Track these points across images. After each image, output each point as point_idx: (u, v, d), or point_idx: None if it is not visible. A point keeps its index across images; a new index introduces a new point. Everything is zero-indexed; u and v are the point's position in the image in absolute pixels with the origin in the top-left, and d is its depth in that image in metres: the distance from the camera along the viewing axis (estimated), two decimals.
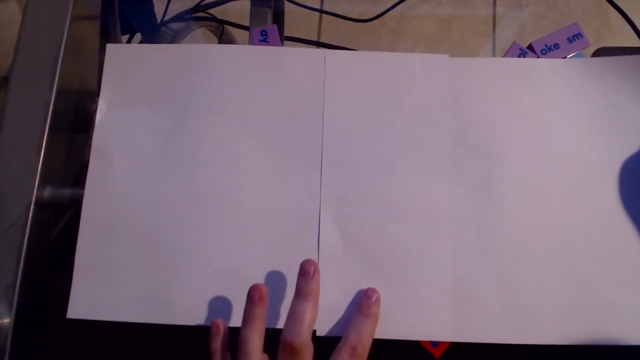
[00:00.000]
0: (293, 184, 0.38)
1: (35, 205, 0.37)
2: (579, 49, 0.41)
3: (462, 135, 0.39)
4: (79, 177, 0.41)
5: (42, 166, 0.37)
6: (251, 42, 0.43)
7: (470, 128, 0.39)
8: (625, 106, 0.39)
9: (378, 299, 0.36)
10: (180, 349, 0.40)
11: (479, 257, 0.37)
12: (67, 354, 0.41)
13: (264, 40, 0.43)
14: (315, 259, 0.37)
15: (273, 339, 0.35)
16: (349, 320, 0.35)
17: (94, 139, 0.40)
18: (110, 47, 0.42)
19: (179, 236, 0.38)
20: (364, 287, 0.36)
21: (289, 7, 0.61)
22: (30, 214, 0.37)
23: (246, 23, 0.50)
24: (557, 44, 0.41)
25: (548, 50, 0.41)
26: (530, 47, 0.42)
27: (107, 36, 0.46)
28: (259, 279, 0.37)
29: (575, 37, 0.41)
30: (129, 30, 0.58)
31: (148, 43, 0.59)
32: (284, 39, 0.66)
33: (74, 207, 0.39)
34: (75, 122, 0.42)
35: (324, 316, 0.36)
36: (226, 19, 0.72)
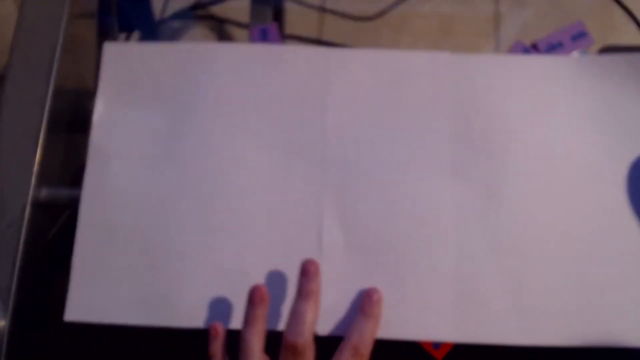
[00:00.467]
0: (295, 183, 0.38)
1: (32, 205, 0.37)
2: (582, 48, 0.41)
3: (466, 133, 0.39)
4: (76, 177, 0.41)
5: (39, 166, 0.37)
6: (251, 40, 0.43)
7: (473, 126, 0.39)
8: (629, 104, 0.39)
9: (380, 298, 0.35)
10: (180, 349, 0.40)
11: (482, 257, 0.37)
12: (65, 355, 0.40)
13: (264, 38, 0.43)
14: (317, 259, 0.36)
15: (274, 341, 0.34)
16: (351, 320, 0.35)
17: (91, 139, 0.39)
18: (107, 46, 0.41)
19: (178, 237, 0.37)
20: (366, 287, 0.36)
21: (289, 5, 0.60)
22: (27, 215, 0.36)
23: (246, 21, 0.50)
24: (561, 43, 0.41)
25: (552, 48, 0.41)
26: (533, 46, 0.41)
27: (105, 34, 0.46)
28: (260, 279, 0.36)
29: (579, 35, 0.41)
30: (127, 28, 0.58)
31: (146, 41, 0.59)
32: (284, 37, 0.65)
33: (72, 207, 0.39)
34: (72, 122, 0.42)
35: (326, 316, 0.35)
36: (226, 17, 0.72)
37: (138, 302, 0.36)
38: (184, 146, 0.39)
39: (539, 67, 0.40)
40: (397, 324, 0.35)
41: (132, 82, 0.40)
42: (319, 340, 0.35)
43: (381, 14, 0.65)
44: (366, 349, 0.33)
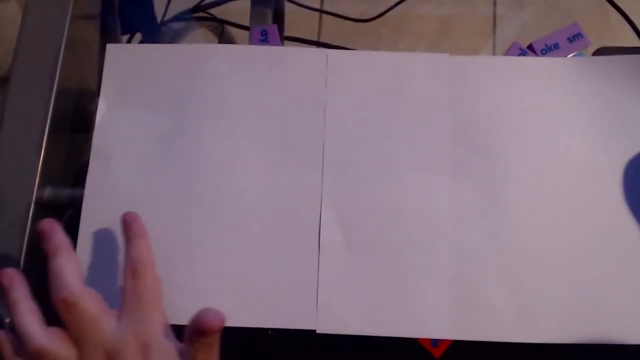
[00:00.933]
0: (294, 183, 0.38)
1: (35, 205, 0.37)
2: (579, 49, 0.41)
3: (464, 134, 0.39)
4: (78, 177, 0.41)
5: (42, 166, 0.37)
6: (251, 41, 0.43)
7: (471, 127, 0.39)
8: (625, 106, 0.39)
9: (134, 218, 0.34)
10: None
11: (480, 256, 0.37)
12: None
13: (264, 40, 0.43)
14: (316, 258, 0.37)
15: (272, 339, 0.34)
16: (351, 319, 0.35)
17: (94, 139, 0.40)
18: (110, 47, 0.42)
19: (179, 236, 0.38)
20: (366, 286, 0.36)
21: (289, 7, 0.61)
22: (30, 214, 0.37)
23: (246, 23, 0.50)
24: (558, 44, 0.41)
25: (548, 50, 0.41)
26: (530, 47, 0.42)
27: (107, 36, 0.46)
28: (259, 279, 0.37)
29: (576, 36, 0.41)
30: (129, 30, 0.58)
31: (148, 43, 0.59)
32: (284, 38, 0.66)
33: (74, 207, 0.39)
34: (75, 122, 0.42)
35: (326, 315, 0.36)
36: (226, 18, 0.73)
37: None
38: (185, 146, 0.39)
39: (537, 69, 0.40)
40: (395, 321, 0.36)
41: (134, 83, 0.41)
42: (319, 340, 0.35)
43: (380, 15, 0.65)
44: (142, 266, 0.32)
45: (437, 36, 0.89)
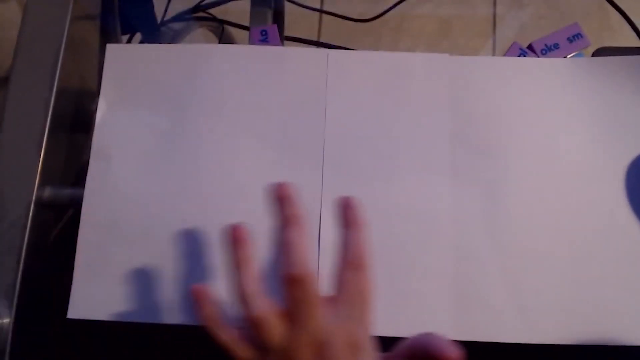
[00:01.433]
0: (294, 183, 0.38)
1: (36, 205, 0.37)
2: (579, 49, 0.41)
3: (463, 134, 0.39)
4: (78, 177, 0.41)
5: (42, 166, 0.38)
6: (251, 42, 0.43)
7: (471, 127, 0.39)
8: (625, 106, 0.39)
9: (355, 205, 0.31)
10: (182, 347, 0.40)
11: (481, 256, 0.37)
12: (67, 354, 0.41)
13: (264, 40, 0.43)
14: (315, 258, 0.37)
15: None
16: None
17: (94, 139, 0.40)
18: (110, 47, 0.42)
19: (179, 236, 0.38)
20: None
21: (289, 7, 0.61)
22: (31, 214, 0.37)
23: (246, 23, 0.50)
24: (557, 44, 0.41)
25: (548, 50, 0.41)
26: (530, 47, 0.42)
27: (107, 36, 0.46)
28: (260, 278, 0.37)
29: (576, 37, 0.41)
30: (129, 30, 0.58)
31: (148, 43, 0.59)
32: (284, 38, 0.66)
33: (74, 207, 0.39)
34: (75, 122, 0.42)
35: None
36: (226, 19, 0.73)
37: (140, 300, 0.37)
38: (185, 146, 0.39)
39: (537, 69, 0.40)
40: (395, 321, 0.36)
41: (134, 83, 0.41)
42: None
43: (380, 15, 0.65)
44: (363, 259, 0.29)
45: (437, 36, 0.89)
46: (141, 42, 0.62)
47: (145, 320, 0.36)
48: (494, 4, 0.89)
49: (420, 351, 0.28)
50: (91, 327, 0.36)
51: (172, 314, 0.36)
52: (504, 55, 0.42)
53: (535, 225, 0.37)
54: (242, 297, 0.28)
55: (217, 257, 0.37)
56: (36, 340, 0.38)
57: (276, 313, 0.28)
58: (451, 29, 0.89)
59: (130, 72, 0.41)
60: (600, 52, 0.43)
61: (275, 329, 0.28)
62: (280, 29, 0.49)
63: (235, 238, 0.29)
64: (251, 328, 0.28)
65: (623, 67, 0.40)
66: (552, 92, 0.40)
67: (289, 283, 0.27)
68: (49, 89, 0.39)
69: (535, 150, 0.39)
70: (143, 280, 0.37)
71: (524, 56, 0.41)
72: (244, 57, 0.41)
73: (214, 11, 0.71)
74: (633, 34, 0.52)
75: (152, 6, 0.61)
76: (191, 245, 0.38)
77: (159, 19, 0.65)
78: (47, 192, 0.38)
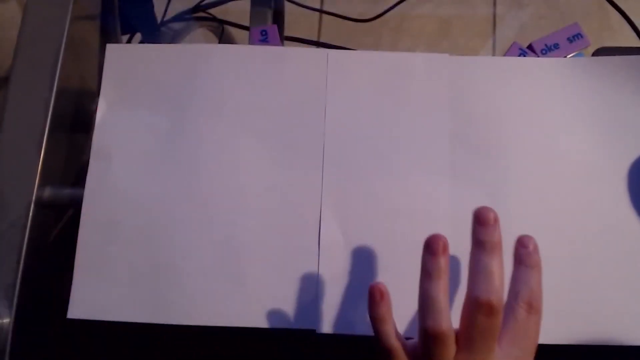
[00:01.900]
0: (294, 183, 0.38)
1: (35, 205, 0.37)
2: (579, 49, 0.41)
3: (463, 134, 0.39)
4: (78, 177, 0.41)
5: (42, 166, 0.38)
6: (251, 42, 0.43)
7: (470, 127, 0.39)
8: (625, 106, 0.39)
9: (536, 246, 0.31)
10: (183, 347, 0.40)
11: None
12: (67, 354, 0.41)
13: (264, 40, 0.43)
14: (315, 258, 0.37)
15: (272, 339, 0.34)
16: (351, 318, 0.35)
17: (94, 139, 0.40)
18: (110, 47, 0.42)
19: (179, 236, 0.38)
20: (365, 285, 0.36)
21: (289, 7, 0.61)
22: (30, 214, 0.37)
23: (246, 23, 0.50)
24: (557, 44, 0.41)
25: (548, 50, 0.41)
26: (530, 47, 0.42)
27: (107, 36, 0.46)
28: (260, 278, 0.37)
29: (576, 37, 0.41)
30: (129, 30, 0.58)
31: (148, 43, 0.59)
32: (284, 38, 0.66)
33: (74, 207, 0.39)
34: (75, 122, 0.42)
35: (326, 314, 0.36)
36: (226, 19, 0.73)
37: (140, 300, 0.37)
38: (185, 146, 0.39)
39: (537, 69, 0.40)
40: (396, 321, 0.36)
41: (134, 83, 0.41)
42: (319, 339, 0.35)
43: (380, 15, 0.65)
44: (539, 302, 0.29)
45: (437, 36, 0.89)
46: (141, 42, 0.62)
47: (145, 320, 0.36)
48: (494, 4, 0.90)
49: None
50: (91, 327, 0.36)
51: (172, 314, 0.36)
52: (504, 55, 0.42)
53: (535, 226, 0.37)
54: (432, 307, 0.28)
55: (217, 256, 0.37)
56: (36, 340, 0.38)
57: (454, 334, 0.29)
58: (451, 29, 0.89)
59: (130, 72, 0.41)
60: (600, 52, 0.43)
61: (452, 349, 0.28)
62: (280, 29, 0.49)
63: (435, 248, 0.29)
64: (429, 341, 0.28)
65: (623, 67, 0.40)
66: (552, 92, 0.40)
67: (483, 308, 0.28)
68: (49, 89, 0.39)
69: (535, 151, 0.39)
70: (143, 280, 0.37)
71: (524, 56, 0.41)
72: (244, 57, 0.41)
73: (214, 11, 0.71)
74: (633, 34, 0.52)
75: (152, 6, 0.61)
76: (191, 245, 0.38)
77: (159, 19, 0.65)
78: (47, 192, 0.38)
